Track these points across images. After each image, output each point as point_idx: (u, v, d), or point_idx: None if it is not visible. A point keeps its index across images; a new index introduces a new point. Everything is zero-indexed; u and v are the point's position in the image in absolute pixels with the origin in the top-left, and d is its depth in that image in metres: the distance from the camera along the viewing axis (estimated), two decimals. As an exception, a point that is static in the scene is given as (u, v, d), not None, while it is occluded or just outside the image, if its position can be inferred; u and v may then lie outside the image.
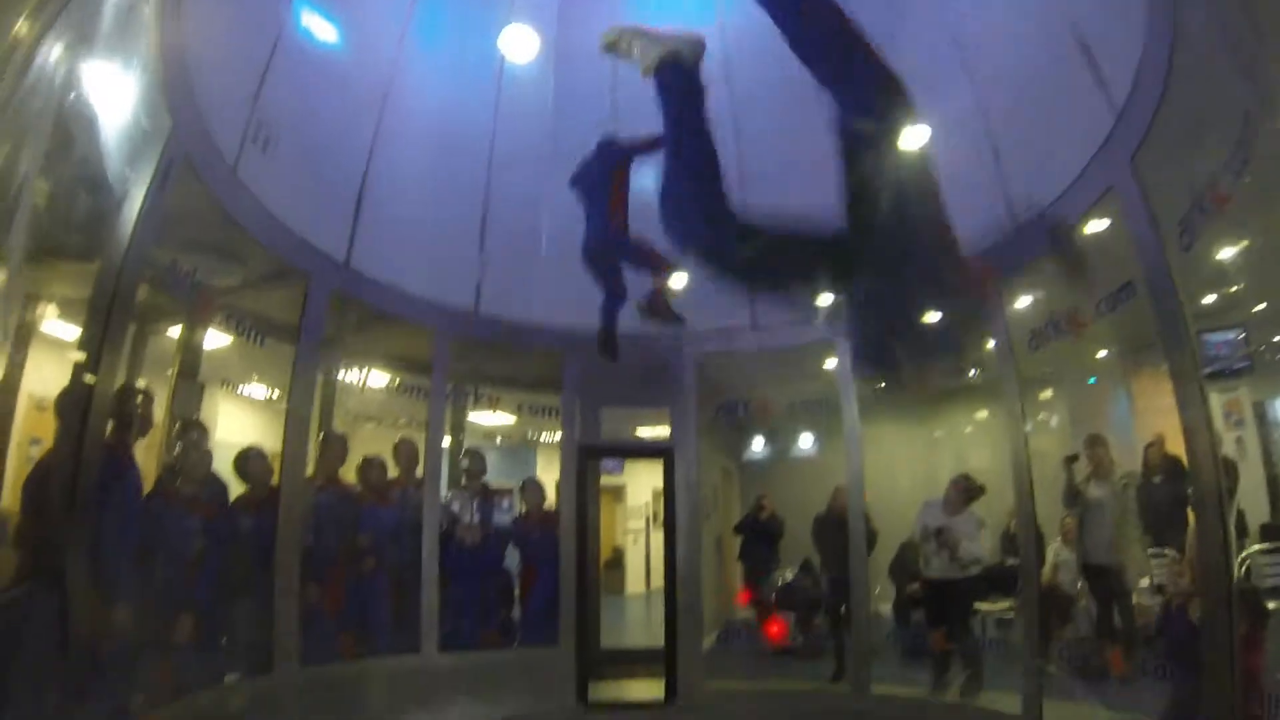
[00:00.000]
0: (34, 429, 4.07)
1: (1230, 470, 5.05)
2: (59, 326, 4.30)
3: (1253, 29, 3.94)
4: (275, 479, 5.92)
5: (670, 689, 7.39)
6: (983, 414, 8.08)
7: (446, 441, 7.74)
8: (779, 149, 7.07)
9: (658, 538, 11.71)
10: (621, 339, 7.43)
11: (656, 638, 8.03)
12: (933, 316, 3.32)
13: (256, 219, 5.74)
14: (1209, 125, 4.70)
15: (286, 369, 6.11)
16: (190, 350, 5.70)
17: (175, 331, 5.62)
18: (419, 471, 7.16)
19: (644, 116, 7.32)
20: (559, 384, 7.99)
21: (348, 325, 7.24)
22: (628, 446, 9.21)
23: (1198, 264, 4.98)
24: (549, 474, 8.24)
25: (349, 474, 6.87)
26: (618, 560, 14.37)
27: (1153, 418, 5.91)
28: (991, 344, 6.40)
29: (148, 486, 4.98)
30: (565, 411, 8.00)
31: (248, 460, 5.91)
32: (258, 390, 6.51)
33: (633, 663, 8.23)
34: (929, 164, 3.33)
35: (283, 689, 5.63)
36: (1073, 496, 6.38)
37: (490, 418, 9.06)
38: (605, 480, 10.64)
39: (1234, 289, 5.41)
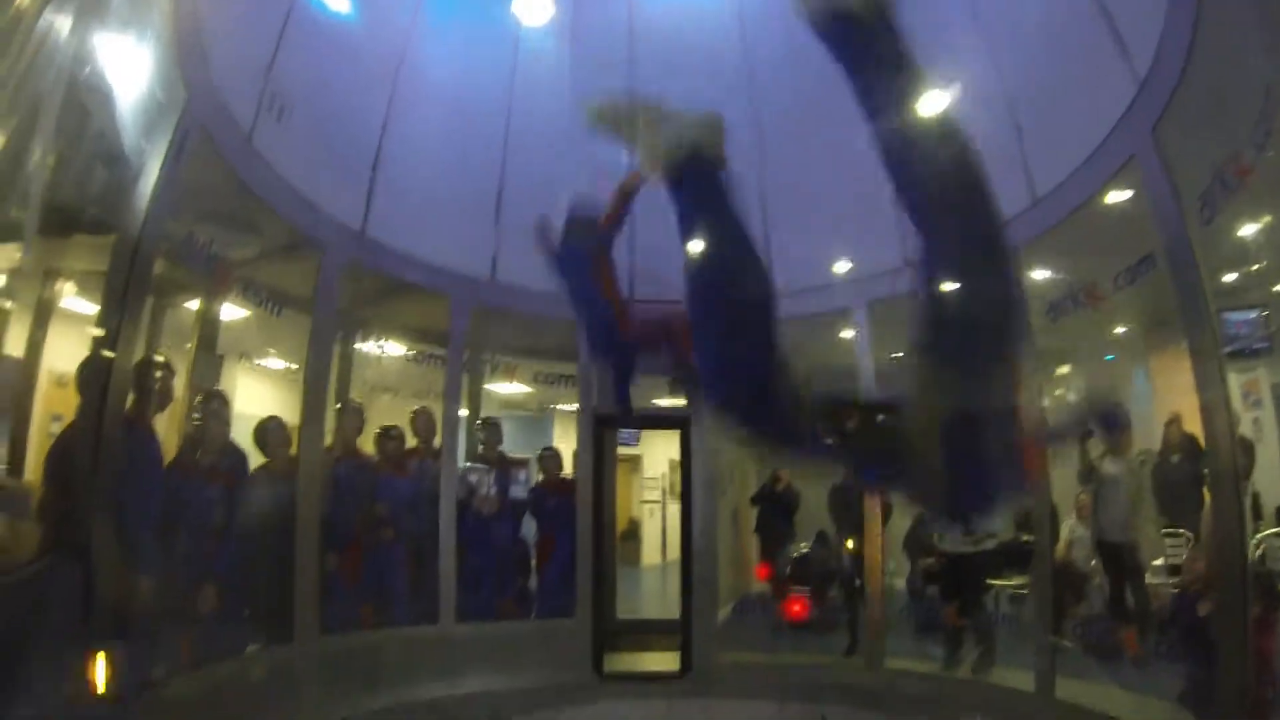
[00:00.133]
0: (55, 405, 4.11)
1: (1247, 451, 5.01)
2: (77, 302, 4.34)
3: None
4: (294, 449, 5.98)
5: (685, 661, 7.43)
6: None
7: (463, 411, 7.78)
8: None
9: (674, 509, 11.73)
10: (639, 303, 7.46)
11: (672, 610, 8.08)
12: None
13: (272, 189, 5.75)
14: (1232, 97, 4.59)
15: (303, 340, 6.14)
16: (208, 322, 5.74)
17: (193, 304, 5.66)
18: (436, 442, 7.19)
19: (663, 84, 7.34)
20: (576, 353, 7.96)
21: (364, 295, 7.24)
22: (645, 416, 9.18)
23: (1219, 240, 4.90)
24: (566, 444, 8.25)
25: (367, 444, 6.92)
26: (634, 532, 14.40)
27: (1171, 396, 5.85)
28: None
29: (168, 458, 5.04)
30: (582, 380, 7.99)
31: (267, 431, 5.97)
32: (275, 362, 6.56)
33: (648, 634, 8.29)
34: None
35: (302, 658, 5.72)
36: (1087, 473, 6.34)
37: (507, 387, 9.09)
38: (621, 451, 10.67)
39: (1255, 267, 5.30)
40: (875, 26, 2.47)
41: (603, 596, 7.74)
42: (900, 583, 7.83)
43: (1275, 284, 5.43)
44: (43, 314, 4.02)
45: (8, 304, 3.85)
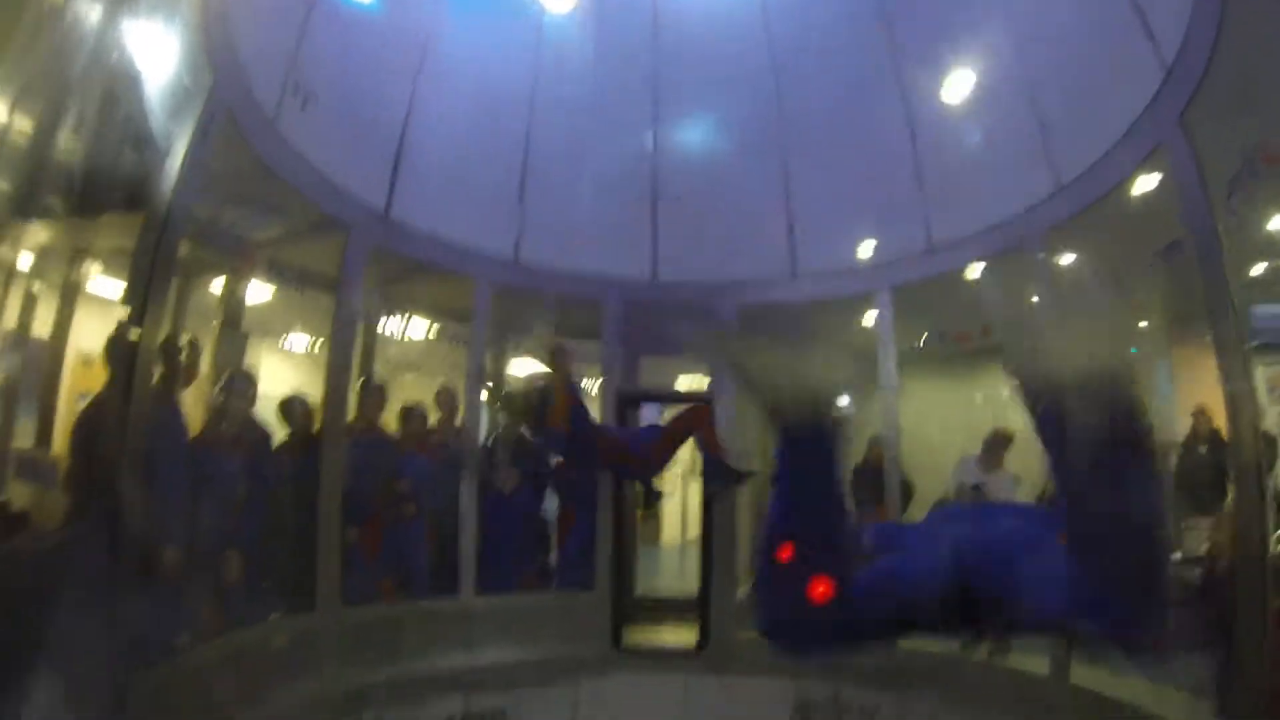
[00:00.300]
0: (81, 384, 4.23)
1: (1270, 445, 4.94)
2: (105, 284, 4.44)
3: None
4: (317, 426, 6.09)
5: (703, 637, 7.51)
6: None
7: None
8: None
9: (695, 489, 11.77)
10: (663, 285, 7.57)
11: (691, 588, 8.15)
12: None
13: (297, 172, 5.82)
14: (1261, 84, 4.51)
15: (327, 320, 6.23)
16: (233, 301, 5.85)
17: (218, 285, 5.76)
18: (459, 419, 7.28)
19: (688, 65, 7.34)
20: (599, 332, 8.00)
21: (388, 275, 7.32)
22: (667, 395, 9.23)
23: (1247, 230, 4.82)
24: (589, 423, 8.26)
25: (390, 421, 7.02)
26: (654, 510, 14.40)
27: (1195, 389, 5.78)
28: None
29: (194, 433, 5.18)
30: (605, 359, 8.02)
31: (291, 407, 6.08)
32: (299, 341, 6.67)
33: (666, 610, 8.34)
34: None
35: (324, 628, 5.87)
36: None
37: (530, 366, 9.14)
38: (644, 431, 10.67)
39: (1283, 260, 5.22)
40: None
41: (623, 571, 7.83)
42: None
43: (1304, 277, 5.34)
44: (70, 294, 4.13)
45: (36, 285, 3.96)
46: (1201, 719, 4.94)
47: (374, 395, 6.94)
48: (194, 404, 5.23)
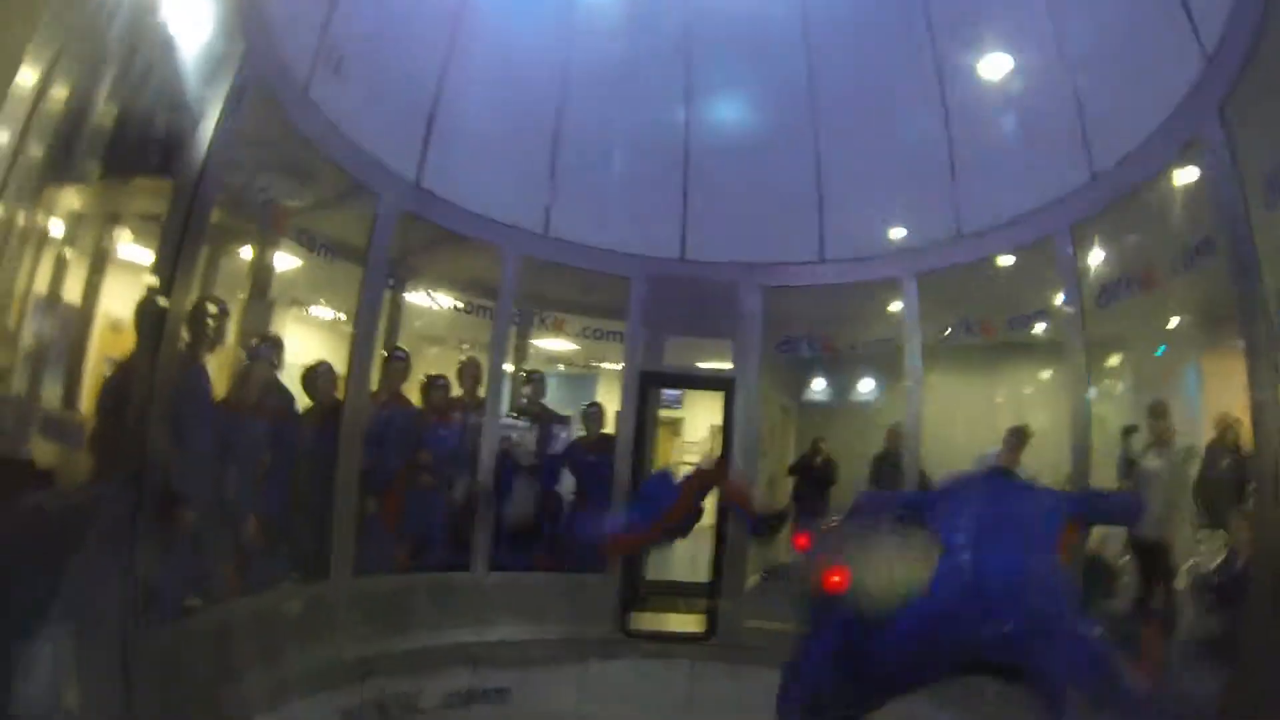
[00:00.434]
0: (109, 349, 4.30)
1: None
2: (135, 250, 4.49)
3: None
4: (340, 395, 6.14)
5: (711, 624, 7.53)
6: (1046, 374, 7.86)
7: (509, 365, 7.90)
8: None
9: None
10: (692, 262, 7.71)
11: (701, 574, 8.17)
12: None
13: (328, 139, 5.85)
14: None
15: (354, 289, 6.27)
16: (262, 268, 5.90)
17: (247, 251, 5.81)
18: (481, 392, 7.30)
19: (721, 40, 7.27)
20: (624, 310, 8.01)
21: (416, 245, 7.34)
22: (689, 376, 9.22)
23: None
24: (609, 401, 8.29)
25: (412, 392, 7.06)
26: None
27: (1223, 395, 5.67)
28: (1060, 300, 6.25)
29: (219, 396, 5.23)
30: (629, 338, 8.03)
31: (316, 375, 6.11)
32: (325, 311, 6.71)
33: (676, 596, 8.39)
34: None
35: (337, 596, 5.95)
36: (1127, 466, 6.21)
37: (554, 343, 9.18)
38: (663, 414, 10.70)
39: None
40: None
41: (634, 554, 7.81)
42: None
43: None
44: (100, 260, 4.18)
45: (67, 250, 4.02)
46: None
47: (399, 365, 6.98)
48: (220, 369, 5.29)
